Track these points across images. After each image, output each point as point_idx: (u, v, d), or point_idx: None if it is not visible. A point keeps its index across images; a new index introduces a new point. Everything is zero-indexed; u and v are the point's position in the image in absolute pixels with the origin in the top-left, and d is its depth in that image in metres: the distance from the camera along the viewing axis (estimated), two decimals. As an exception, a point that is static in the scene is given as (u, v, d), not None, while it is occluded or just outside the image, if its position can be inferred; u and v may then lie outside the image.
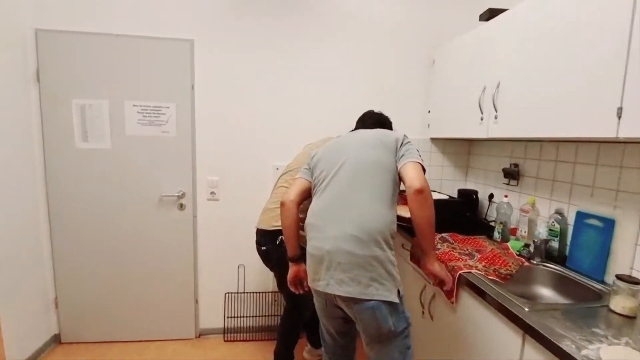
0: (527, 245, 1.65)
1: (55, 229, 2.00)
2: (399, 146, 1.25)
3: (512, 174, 1.84)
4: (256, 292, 2.23)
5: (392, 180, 1.22)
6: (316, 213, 1.24)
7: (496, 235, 1.80)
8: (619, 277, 1.09)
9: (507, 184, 1.89)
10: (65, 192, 1.98)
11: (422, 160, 1.24)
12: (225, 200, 2.15)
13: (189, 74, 1.98)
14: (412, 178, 1.15)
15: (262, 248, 1.65)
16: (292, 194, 1.35)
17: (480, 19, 1.62)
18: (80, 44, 1.89)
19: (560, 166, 1.57)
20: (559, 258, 1.51)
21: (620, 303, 1.08)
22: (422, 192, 1.13)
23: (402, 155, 1.23)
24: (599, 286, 1.28)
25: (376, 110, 1.61)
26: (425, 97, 2.23)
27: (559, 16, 1.20)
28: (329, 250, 1.16)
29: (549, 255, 1.53)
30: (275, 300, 2.24)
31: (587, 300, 1.22)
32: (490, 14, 1.55)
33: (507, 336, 1.12)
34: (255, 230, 1.75)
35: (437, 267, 1.25)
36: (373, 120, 1.54)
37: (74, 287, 2.07)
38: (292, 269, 1.42)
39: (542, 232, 1.59)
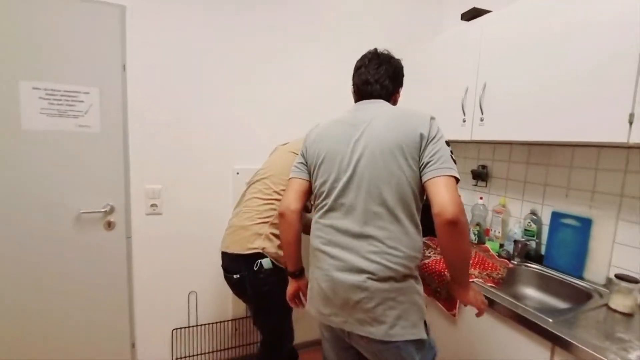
0: (501, 246, 1.70)
1: None
2: (424, 145, 0.94)
3: (480, 176, 1.88)
4: (213, 323, 1.85)
5: (416, 196, 0.96)
6: (325, 237, 1.01)
7: (472, 237, 1.82)
8: (619, 276, 1.13)
9: (476, 185, 1.93)
10: None
11: (456, 167, 0.94)
12: (171, 214, 1.72)
13: (119, 51, 1.51)
14: (443, 203, 0.86)
15: (235, 277, 1.33)
16: (292, 201, 1.10)
17: (462, 18, 1.59)
18: None
19: (532, 168, 1.63)
20: (536, 257, 1.57)
21: (621, 302, 1.11)
22: (457, 224, 0.85)
23: (428, 163, 0.92)
24: (582, 283, 1.34)
25: (381, 49, 1.14)
26: (393, 97, 2.15)
27: (558, 20, 1.20)
28: (344, 284, 0.95)
29: (526, 255, 1.57)
30: (236, 329, 1.89)
31: (582, 301, 1.24)
32: (474, 14, 1.52)
33: (530, 350, 1.07)
34: (220, 253, 1.41)
35: (471, 298, 1.04)
36: (382, 80, 1.07)
37: None
38: (293, 285, 1.24)
39: (517, 232, 1.63)
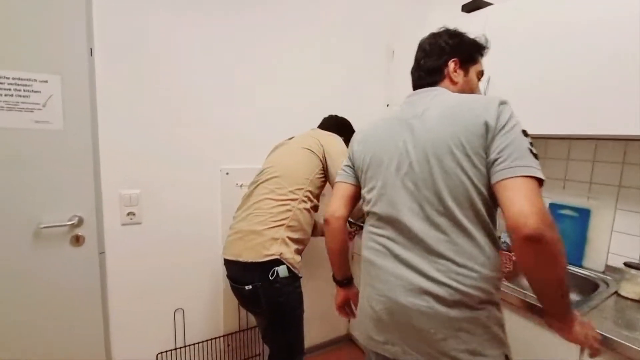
0: (499, 237, 1.72)
1: None
2: (491, 136, 0.72)
3: (474, 170, 1.89)
4: (203, 342, 1.66)
5: (488, 201, 0.76)
6: (379, 249, 0.88)
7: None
8: (629, 264, 1.18)
9: (469, 180, 1.94)
10: None
11: (538, 163, 0.70)
12: (151, 223, 1.50)
13: (84, 32, 1.26)
14: (519, 213, 0.65)
15: (246, 288, 1.18)
16: (337, 207, 1.00)
17: (462, 10, 1.56)
18: None
19: (527, 161, 1.66)
20: (534, 248, 1.60)
21: (632, 289, 1.15)
22: (539, 241, 0.64)
23: (496, 160, 0.71)
24: (585, 272, 1.38)
25: (435, 30, 0.95)
26: (384, 91, 2.09)
27: (572, 13, 1.20)
28: (404, 308, 0.81)
29: (525, 246, 1.60)
30: (228, 345, 1.72)
31: (589, 290, 1.28)
32: (475, 6, 1.49)
33: (558, 345, 1.06)
34: (224, 262, 1.26)
35: (579, 335, 0.80)
36: (424, 62, 0.91)
37: None
38: (341, 294, 1.15)
39: (514, 224, 1.66)
